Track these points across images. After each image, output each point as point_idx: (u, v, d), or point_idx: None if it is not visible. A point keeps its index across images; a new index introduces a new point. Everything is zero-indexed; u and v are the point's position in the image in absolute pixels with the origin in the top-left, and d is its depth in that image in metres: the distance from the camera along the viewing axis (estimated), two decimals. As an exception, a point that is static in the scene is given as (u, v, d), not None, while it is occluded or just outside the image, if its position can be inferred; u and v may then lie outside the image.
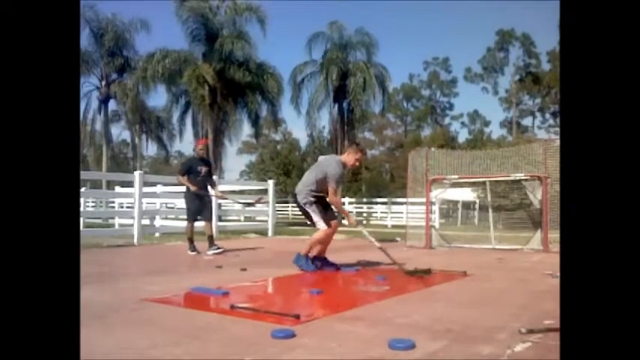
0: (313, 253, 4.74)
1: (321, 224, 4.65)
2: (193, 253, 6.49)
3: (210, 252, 6.48)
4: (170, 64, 17.97)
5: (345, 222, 5.14)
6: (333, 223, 4.78)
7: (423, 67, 47.43)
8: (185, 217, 6.99)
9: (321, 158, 4.89)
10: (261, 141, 38.61)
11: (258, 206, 10.60)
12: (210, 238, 6.71)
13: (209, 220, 6.82)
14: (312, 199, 4.62)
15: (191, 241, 6.62)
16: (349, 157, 4.75)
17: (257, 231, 11.33)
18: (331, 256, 4.93)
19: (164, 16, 35.73)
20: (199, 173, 6.61)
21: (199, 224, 6.77)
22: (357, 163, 4.80)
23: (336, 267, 4.79)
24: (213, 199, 7.19)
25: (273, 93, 19.39)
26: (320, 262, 4.77)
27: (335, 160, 4.71)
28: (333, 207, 4.83)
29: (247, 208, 11.38)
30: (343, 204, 20.86)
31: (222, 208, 10.80)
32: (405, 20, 62.16)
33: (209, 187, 6.82)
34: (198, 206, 6.61)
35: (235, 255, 6.34)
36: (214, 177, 7.49)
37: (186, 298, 3.44)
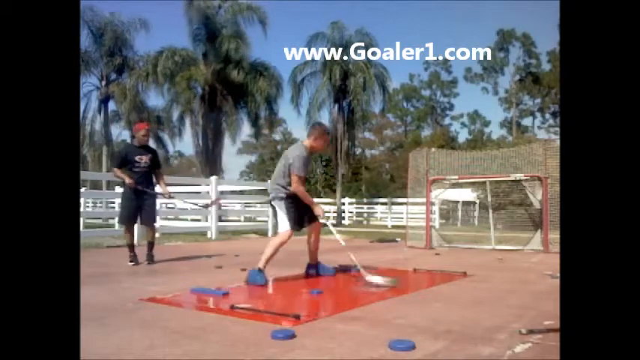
0: (264, 264, 4.02)
1: (284, 225, 4.07)
2: (132, 263, 5.29)
3: (147, 262, 5.38)
4: (171, 64, 18.00)
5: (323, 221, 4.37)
6: (314, 225, 4.32)
7: (423, 68, 47.43)
8: (187, 217, 6.42)
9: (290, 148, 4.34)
10: (261, 141, 38.63)
11: (259, 207, 10.49)
12: (150, 245, 5.52)
13: (150, 222, 5.53)
14: (283, 194, 4.11)
15: (131, 248, 5.39)
16: (311, 139, 4.24)
17: (257, 231, 11.33)
18: (329, 257, 4.91)
19: (163, 15, 35.81)
20: (137, 164, 5.31)
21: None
22: (323, 143, 4.28)
23: (334, 271, 4.54)
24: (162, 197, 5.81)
25: (272, 93, 19.39)
26: (314, 269, 4.49)
27: (297, 145, 4.25)
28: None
29: (202, 208, 9.83)
30: (343, 203, 21.31)
31: (222, 208, 10.78)
32: (405, 20, 62.14)
33: (154, 183, 5.53)
34: (135, 205, 5.31)
35: (235, 255, 6.33)
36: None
37: (186, 299, 3.44)
